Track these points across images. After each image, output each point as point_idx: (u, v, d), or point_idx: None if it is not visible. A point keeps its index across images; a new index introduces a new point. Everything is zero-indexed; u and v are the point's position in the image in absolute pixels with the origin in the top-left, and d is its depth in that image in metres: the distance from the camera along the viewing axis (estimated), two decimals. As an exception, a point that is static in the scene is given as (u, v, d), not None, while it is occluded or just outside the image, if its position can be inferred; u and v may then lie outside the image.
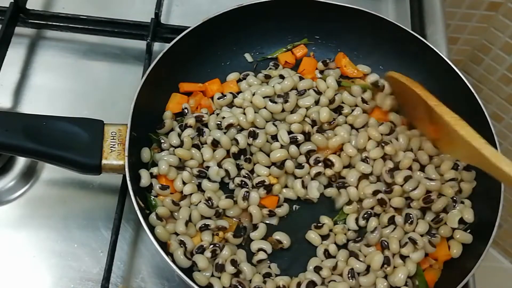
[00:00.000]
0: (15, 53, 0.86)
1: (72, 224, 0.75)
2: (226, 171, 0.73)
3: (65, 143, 0.66)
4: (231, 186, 0.73)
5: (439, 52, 0.79)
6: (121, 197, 0.72)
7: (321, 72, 0.83)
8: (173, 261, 0.65)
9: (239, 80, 0.82)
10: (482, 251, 0.66)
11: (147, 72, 0.73)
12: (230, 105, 0.78)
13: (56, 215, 0.75)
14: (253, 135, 0.73)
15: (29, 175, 0.78)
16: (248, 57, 0.84)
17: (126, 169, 0.67)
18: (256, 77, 0.81)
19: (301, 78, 0.80)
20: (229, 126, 0.74)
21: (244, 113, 0.75)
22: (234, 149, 0.73)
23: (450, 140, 0.65)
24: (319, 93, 0.78)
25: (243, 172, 0.73)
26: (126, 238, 0.74)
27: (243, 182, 0.72)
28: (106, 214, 0.75)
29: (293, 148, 0.74)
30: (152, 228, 0.67)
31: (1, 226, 0.74)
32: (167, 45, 0.76)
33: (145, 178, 0.70)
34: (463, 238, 0.71)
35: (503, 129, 1.45)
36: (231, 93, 0.78)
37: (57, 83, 0.85)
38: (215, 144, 0.73)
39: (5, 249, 0.73)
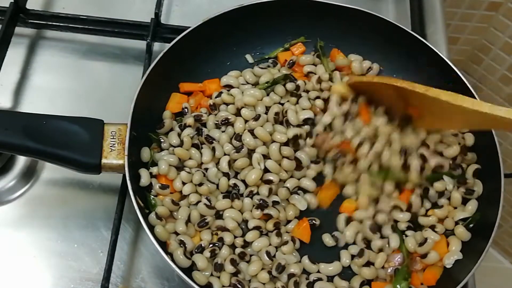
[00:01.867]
0: (15, 53, 0.86)
1: (72, 224, 0.75)
2: (224, 173, 0.73)
3: (65, 142, 0.66)
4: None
5: (439, 53, 0.79)
6: (121, 197, 0.73)
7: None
8: (173, 261, 0.65)
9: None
10: (482, 251, 0.66)
11: (147, 72, 0.73)
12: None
13: (56, 215, 0.75)
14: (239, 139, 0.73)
15: (29, 175, 0.78)
16: (249, 58, 0.84)
17: (126, 169, 0.67)
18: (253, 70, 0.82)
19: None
20: (225, 122, 0.74)
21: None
22: (232, 153, 0.73)
23: (444, 115, 0.67)
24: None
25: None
26: (126, 238, 0.74)
27: (234, 185, 0.72)
28: (106, 214, 0.75)
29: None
30: (151, 228, 0.67)
31: (1, 226, 0.74)
32: (167, 45, 0.76)
33: (144, 177, 0.70)
34: (462, 235, 0.71)
35: (503, 129, 1.44)
36: (227, 89, 0.78)
37: (57, 83, 0.85)
38: (210, 141, 0.73)
39: (5, 249, 0.73)
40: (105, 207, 0.75)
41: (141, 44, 0.86)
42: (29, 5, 0.88)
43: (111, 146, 0.68)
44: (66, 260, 0.73)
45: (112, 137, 0.68)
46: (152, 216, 0.68)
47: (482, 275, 0.71)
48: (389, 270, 0.70)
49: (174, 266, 0.64)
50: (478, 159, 0.76)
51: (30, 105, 0.83)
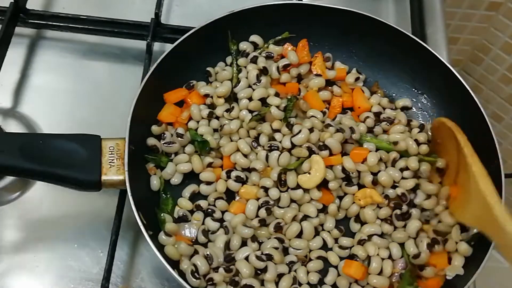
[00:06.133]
0: (15, 53, 0.86)
1: (72, 224, 0.75)
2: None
3: (62, 161, 0.65)
4: None
5: (437, 55, 0.79)
6: (121, 197, 0.73)
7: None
8: (175, 270, 0.64)
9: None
10: (483, 257, 0.66)
11: (142, 84, 0.72)
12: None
13: (56, 215, 0.75)
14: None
15: (29, 175, 0.78)
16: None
17: (127, 184, 0.66)
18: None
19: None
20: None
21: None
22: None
23: (465, 198, 0.66)
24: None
25: None
26: (126, 238, 0.74)
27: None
28: (106, 214, 0.75)
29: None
30: (156, 243, 0.66)
31: (1, 226, 0.74)
32: (167, 45, 0.76)
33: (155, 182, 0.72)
34: (465, 252, 0.70)
35: (503, 129, 1.45)
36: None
37: (57, 83, 0.85)
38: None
39: (5, 249, 0.73)
40: (105, 207, 0.75)
41: (141, 44, 0.86)
42: (29, 5, 0.88)
43: (110, 162, 0.67)
44: (66, 260, 0.73)
45: (110, 152, 0.67)
46: (161, 236, 0.67)
47: (482, 275, 0.70)
48: (394, 278, 0.70)
49: (178, 277, 0.63)
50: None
51: (30, 105, 0.83)
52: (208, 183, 0.74)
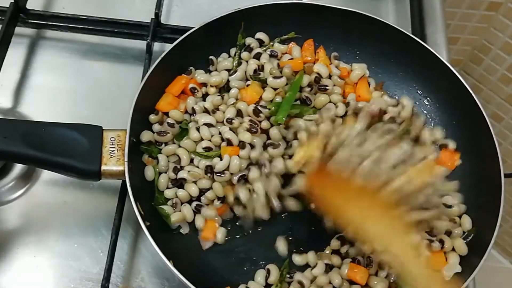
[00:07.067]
0: (15, 53, 0.86)
1: (72, 224, 0.75)
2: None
3: (64, 149, 0.66)
4: None
5: (437, 54, 0.79)
6: (121, 197, 0.73)
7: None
8: (174, 266, 0.64)
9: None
10: (481, 256, 0.66)
11: (145, 77, 0.73)
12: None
13: (56, 215, 0.75)
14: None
15: (29, 175, 0.78)
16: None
17: (126, 175, 0.66)
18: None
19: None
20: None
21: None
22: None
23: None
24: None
25: None
26: (126, 238, 0.74)
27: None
28: (106, 213, 0.75)
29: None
30: (152, 234, 0.66)
31: (1, 226, 0.74)
32: (167, 46, 0.76)
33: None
34: (461, 250, 0.70)
35: (503, 129, 1.45)
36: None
37: (57, 83, 0.85)
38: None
39: (5, 249, 0.73)
40: (105, 206, 0.75)
41: (141, 44, 0.86)
42: (29, 5, 0.88)
43: (110, 153, 0.67)
44: (66, 260, 0.73)
45: (111, 143, 0.68)
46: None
47: (482, 275, 0.71)
48: (392, 279, 0.69)
49: (175, 271, 0.63)
50: (478, 159, 0.76)
51: (30, 105, 0.83)
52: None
